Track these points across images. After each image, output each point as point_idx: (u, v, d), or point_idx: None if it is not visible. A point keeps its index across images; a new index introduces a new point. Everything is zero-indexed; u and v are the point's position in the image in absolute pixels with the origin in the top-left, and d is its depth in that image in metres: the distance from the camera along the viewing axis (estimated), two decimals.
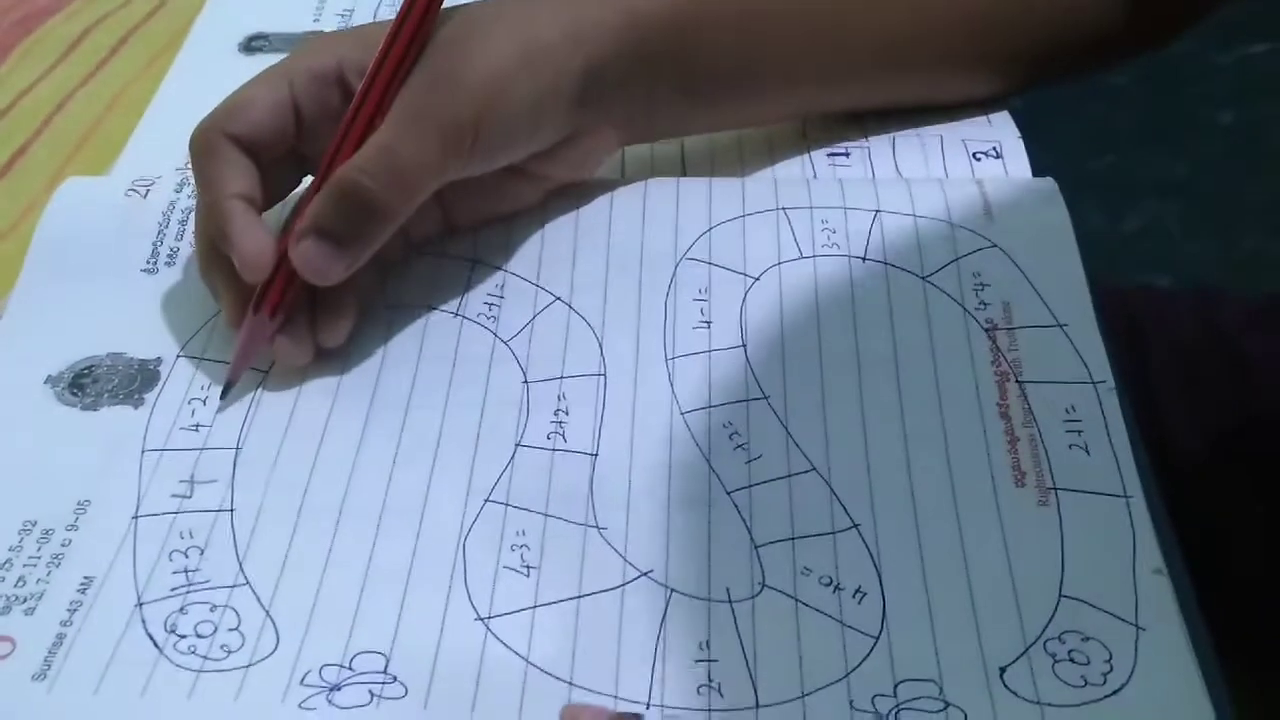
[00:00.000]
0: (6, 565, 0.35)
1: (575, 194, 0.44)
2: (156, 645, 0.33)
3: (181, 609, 0.34)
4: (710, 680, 0.32)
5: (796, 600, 0.33)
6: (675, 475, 0.36)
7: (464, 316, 0.41)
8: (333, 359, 0.40)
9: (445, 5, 0.39)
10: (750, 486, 0.36)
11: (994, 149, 0.46)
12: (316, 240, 0.38)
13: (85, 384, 0.40)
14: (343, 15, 0.58)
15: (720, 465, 0.37)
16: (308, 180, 0.41)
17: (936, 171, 0.46)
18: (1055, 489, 0.35)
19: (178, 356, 0.41)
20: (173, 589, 0.34)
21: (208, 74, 0.54)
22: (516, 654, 0.33)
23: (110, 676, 0.32)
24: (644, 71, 0.41)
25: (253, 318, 0.39)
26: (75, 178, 0.47)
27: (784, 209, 0.43)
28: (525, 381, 0.39)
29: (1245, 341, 0.56)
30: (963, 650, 0.32)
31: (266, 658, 0.33)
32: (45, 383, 0.40)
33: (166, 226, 0.45)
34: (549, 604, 0.34)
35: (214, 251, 0.40)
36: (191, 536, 0.35)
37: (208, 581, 0.34)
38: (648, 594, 0.34)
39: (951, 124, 0.47)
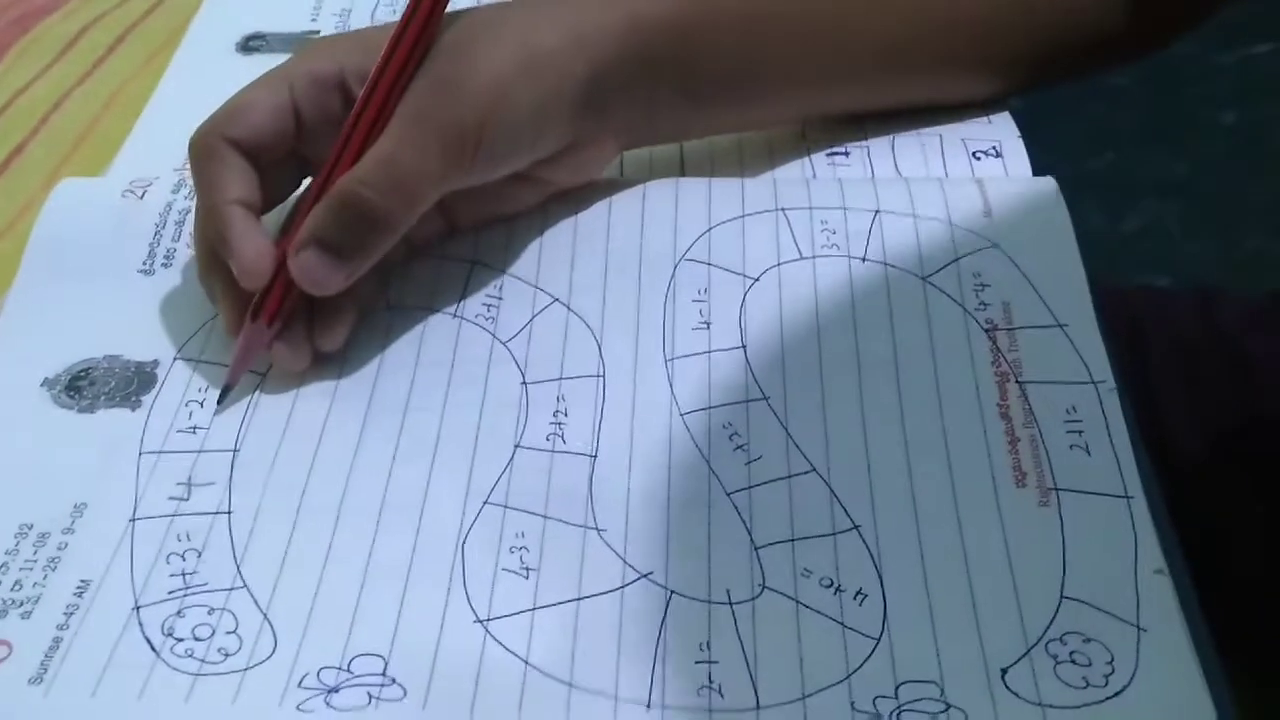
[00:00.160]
0: (3, 569, 0.35)
1: (574, 195, 0.44)
2: (154, 648, 0.33)
3: (179, 612, 0.34)
4: (710, 681, 0.32)
5: (797, 602, 0.33)
6: (675, 476, 0.36)
7: (463, 318, 0.41)
8: (331, 360, 0.40)
9: (447, 9, 0.39)
10: (750, 488, 0.36)
11: (994, 149, 0.46)
12: (316, 251, 0.37)
13: (82, 386, 0.40)
14: (340, 15, 0.58)
15: (720, 466, 0.36)
16: (308, 181, 0.41)
17: (936, 171, 0.46)
18: (1056, 489, 0.35)
19: (175, 359, 0.40)
20: (170, 592, 0.34)
21: (205, 74, 0.54)
22: (516, 656, 0.33)
23: (107, 680, 0.32)
24: (646, 75, 0.41)
25: (251, 325, 0.39)
26: (71, 178, 0.47)
27: (783, 209, 0.43)
28: (524, 383, 0.39)
29: (1246, 341, 0.56)
30: (964, 651, 0.32)
31: (264, 660, 0.33)
32: (42, 385, 0.40)
33: (163, 228, 0.45)
34: (548, 606, 0.33)
35: (213, 256, 0.40)
36: (189, 539, 0.35)
37: (205, 584, 0.34)
38: (647, 596, 0.34)
39: (951, 124, 0.47)
